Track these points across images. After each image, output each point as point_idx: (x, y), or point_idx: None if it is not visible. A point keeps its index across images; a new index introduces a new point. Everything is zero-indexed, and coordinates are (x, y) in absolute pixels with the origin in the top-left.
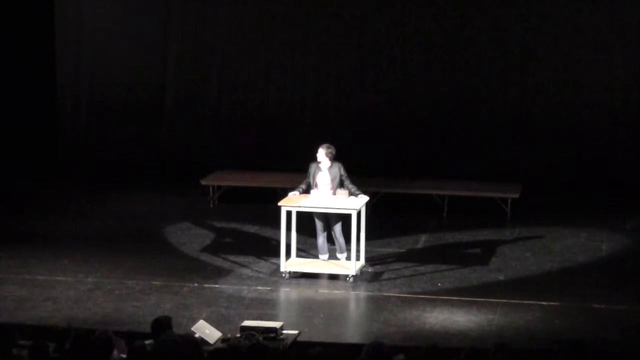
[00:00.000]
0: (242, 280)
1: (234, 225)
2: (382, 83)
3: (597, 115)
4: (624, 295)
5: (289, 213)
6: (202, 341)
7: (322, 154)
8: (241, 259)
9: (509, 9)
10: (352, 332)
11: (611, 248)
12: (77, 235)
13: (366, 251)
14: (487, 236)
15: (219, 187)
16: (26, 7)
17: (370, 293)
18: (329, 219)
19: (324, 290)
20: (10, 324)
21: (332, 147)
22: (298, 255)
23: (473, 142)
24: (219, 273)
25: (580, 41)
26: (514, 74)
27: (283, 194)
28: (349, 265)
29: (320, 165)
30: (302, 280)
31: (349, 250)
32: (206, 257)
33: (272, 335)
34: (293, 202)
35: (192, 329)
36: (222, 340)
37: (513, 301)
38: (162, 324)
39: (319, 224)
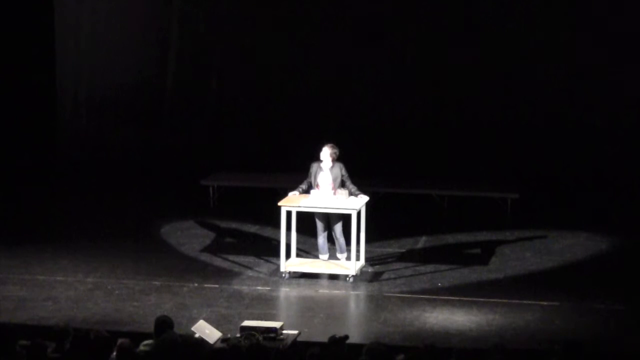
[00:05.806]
0: (242, 280)
1: (234, 225)
2: (382, 83)
3: (597, 116)
4: (624, 295)
5: (289, 213)
6: (202, 341)
7: (326, 153)
8: (241, 259)
9: (510, 11)
10: (352, 332)
11: (611, 248)
12: (77, 235)
13: (366, 251)
14: (487, 236)
15: (219, 187)
16: (26, 7)
17: (370, 293)
18: (329, 219)
19: (324, 290)
20: (11, 323)
21: (337, 147)
22: (298, 255)
23: (473, 142)
24: (219, 273)
25: (579, 42)
26: (514, 75)
27: (283, 194)
28: (349, 265)
29: (322, 165)
30: (302, 280)
31: (349, 250)
32: (206, 257)
33: (272, 335)
34: (293, 202)
35: (192, 329)
36: (222, 340)
37: (513, 301)
38: (165, 324)
39: (319, 224)
